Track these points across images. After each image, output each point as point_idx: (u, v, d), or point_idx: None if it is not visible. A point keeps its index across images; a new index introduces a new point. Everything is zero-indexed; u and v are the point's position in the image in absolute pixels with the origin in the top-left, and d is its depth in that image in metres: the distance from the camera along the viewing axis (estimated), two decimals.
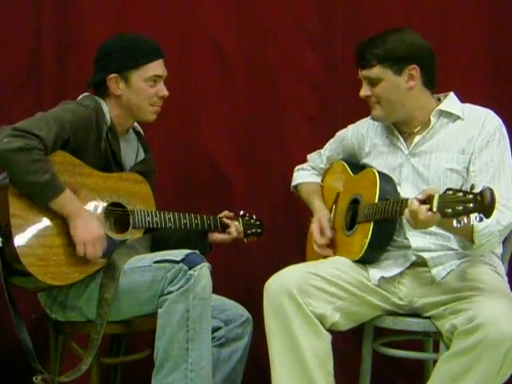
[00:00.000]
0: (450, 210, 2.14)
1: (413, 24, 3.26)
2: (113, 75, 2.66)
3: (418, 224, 2.28)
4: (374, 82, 2.62)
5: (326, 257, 2.76)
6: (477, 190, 2.12)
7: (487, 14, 3.27)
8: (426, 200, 2.23)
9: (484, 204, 2.08)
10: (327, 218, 2.82)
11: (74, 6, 3.28)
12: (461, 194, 2.14)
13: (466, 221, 2.12)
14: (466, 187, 2.16)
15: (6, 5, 3.26)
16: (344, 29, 3.31)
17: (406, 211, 2.30)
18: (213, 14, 3.32)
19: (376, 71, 2.61)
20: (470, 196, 2.11)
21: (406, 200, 2.37)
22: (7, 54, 3.26)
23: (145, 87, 2.67)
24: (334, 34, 3.32)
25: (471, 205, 2.10)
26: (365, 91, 2.64)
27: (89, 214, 2.56)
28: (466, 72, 3.26)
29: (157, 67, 2.69)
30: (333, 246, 2.81)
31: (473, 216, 2.11)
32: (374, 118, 2.70)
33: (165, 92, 2.71)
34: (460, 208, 2.12)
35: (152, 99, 2.69)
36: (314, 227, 2.81)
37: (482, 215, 2.10)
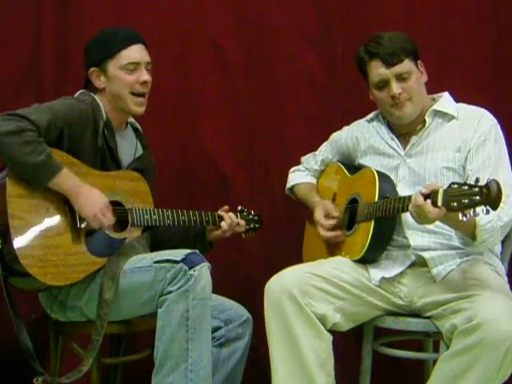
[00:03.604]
0: (455, 204, 2.16)
1: (413, 24, 3.26)
2: (92, 69, 2.68)
3: (423, 219, 2.29)
4: (404, 78, 2.59)
5: (324, 253, 2.76)
6: (482, 183, 2.12)
7: (487, 13, 3.27)
8: (430, 194, 2.24)
9: (491, 196, 2.10)
10: (331, 203, 2.81)
11: (73, 6, 3.28)
12: (466, 187, 2.15)
13: (472, 214, 2.13)
14: (470, 181, 2.17)
15: (5, 5, 3.26)
16: (344, 29, 3.30)
17: (411, 207, 2.31)
18: (213, 14, 3.32)
19: (407, 65, 2.59)
20: (476, 189, 2.12)
21: (409, 197, 2.37)
22: (7, 55, 3.26)
23: (122, 75, 2.66)
24: (334, 34, 3.32)
25: (477, 197, 2.11)
26: (398, 88, 2.58)
27: (88, 187, 2.55)
28: (466, 72, 3.26)
29: (131, 53, 2.66)
30: (333, 247, 2.80)
31: (479, 209, 2.11)
32: (401, 117, 2.63)
33: (145, 77, 2.68)
34: (466, 201, 2.13)
35: (132, 87, 2.66)
36: (318, 211, 2.78)
37: (488, 207, 2.11)
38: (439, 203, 2.21)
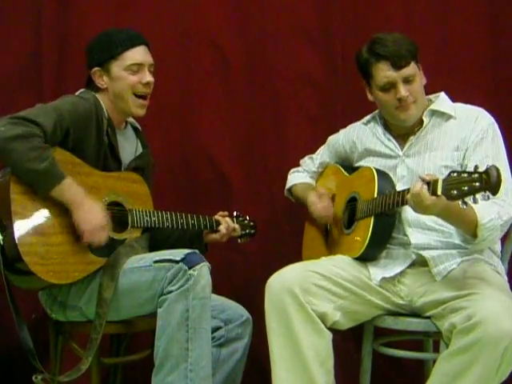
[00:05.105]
0: (455, 192, 2.15)
1: (413, 24, 3.26)
2: (95, 69, 2.68)
3: (419, 207, 2.28)
4: (409, 80, 2.58)
5: (324, 253, 2.76)
6: (481, 169, 2.12)
7: (487, 14, 3.27)
8: (430, 183, 2.23)
9: (490, 182, 2.09)
10: (322, 188, 2.85)
11: (74, 6, 3.29)
12: (465, 174, 2.14)
13: (472, 201, 2.13)
14: (470, 169, 2.17)
15: (5, 5, 3.26)
16: (344, 29, 3.30)
17: (408, 195, 2.31)
18: (212, 14, 3.32)
19: (413, 68, 2.59)
20: (476, 175, 2.12)
21: (408, 189, 2.37)
22: (7, 54, 3.26)
23: (125, 76, 2.66)
24: (334, 34, 3.32)
25: (477, 184, 2.11)
26: (405, 91, 2.57)
27: (91, 201, 2.53)
28: (466, 72, 3.26)
29: (135, 55, 2.67)
30: (333, 246, 2.81)
31: (479, 195, 2.11)
32: (406, 120, 2.62)
33: (148, 78, 2.68)
34: (466, 188, 2.12)
35: (135, 87, 2.67)
36: (311, 194, 2.82)
37: (489, 193, 2.10)
38: (439, 192, 2.20)
